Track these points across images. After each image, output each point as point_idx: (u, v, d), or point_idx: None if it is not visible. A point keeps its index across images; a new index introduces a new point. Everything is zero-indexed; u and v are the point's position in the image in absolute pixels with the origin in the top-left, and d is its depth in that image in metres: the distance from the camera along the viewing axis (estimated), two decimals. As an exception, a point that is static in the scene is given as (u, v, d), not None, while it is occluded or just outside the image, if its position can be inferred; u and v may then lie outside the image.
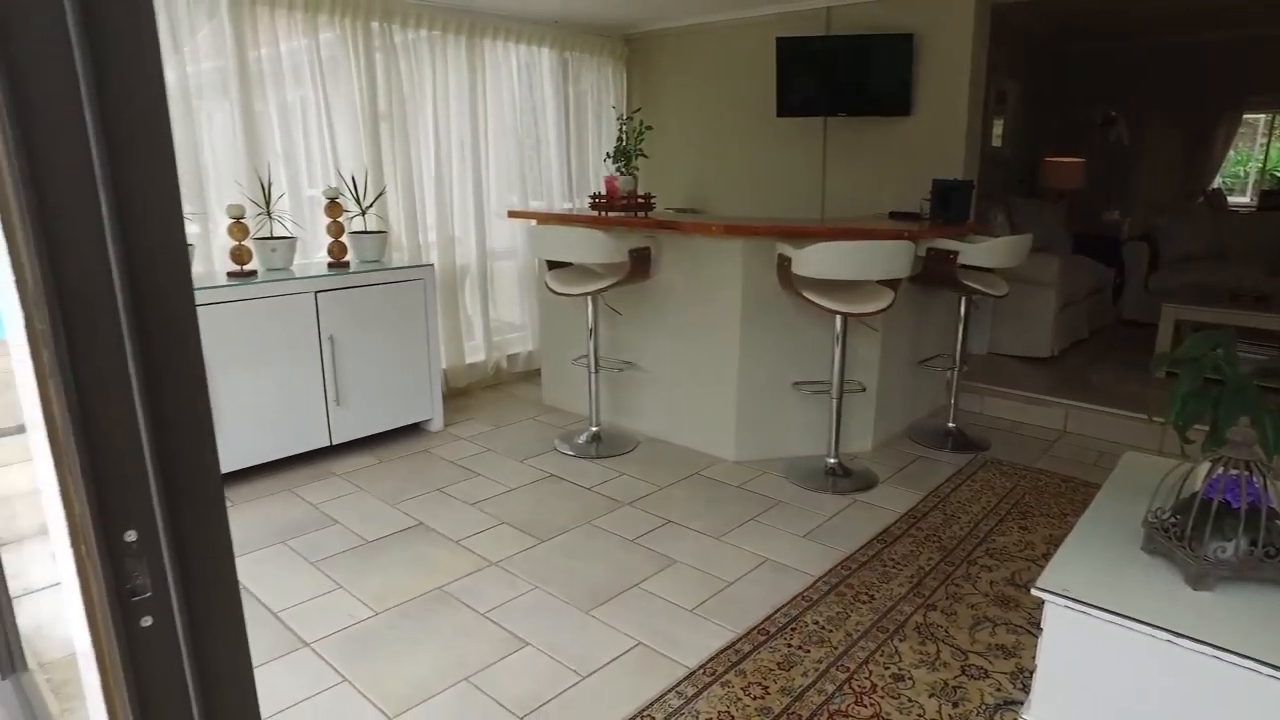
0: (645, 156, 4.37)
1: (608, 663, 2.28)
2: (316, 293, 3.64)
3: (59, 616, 1.87)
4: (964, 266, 3.70)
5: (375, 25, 4.32)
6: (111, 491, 0.72)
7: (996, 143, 6.08)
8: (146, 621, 0.76)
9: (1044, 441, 4.11)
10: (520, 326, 5.44)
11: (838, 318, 3.44)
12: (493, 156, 5.06)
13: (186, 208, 3.39)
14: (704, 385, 3.89)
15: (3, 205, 0.63)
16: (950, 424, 4.11)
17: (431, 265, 4.14)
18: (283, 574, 2.78)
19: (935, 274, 3.78)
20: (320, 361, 3.69)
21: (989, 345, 5.32)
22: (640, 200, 4.15)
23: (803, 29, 4.89)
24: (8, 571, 1.91)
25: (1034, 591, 1.53)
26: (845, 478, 3.57)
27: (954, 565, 2.82)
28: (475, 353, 5.09)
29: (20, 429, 2.11)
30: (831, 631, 2.42)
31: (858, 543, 3.00)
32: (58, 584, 1.85)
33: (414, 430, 4.23)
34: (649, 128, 4.33)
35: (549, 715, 2.06)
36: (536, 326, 5.24)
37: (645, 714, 2.06)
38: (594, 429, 4.09)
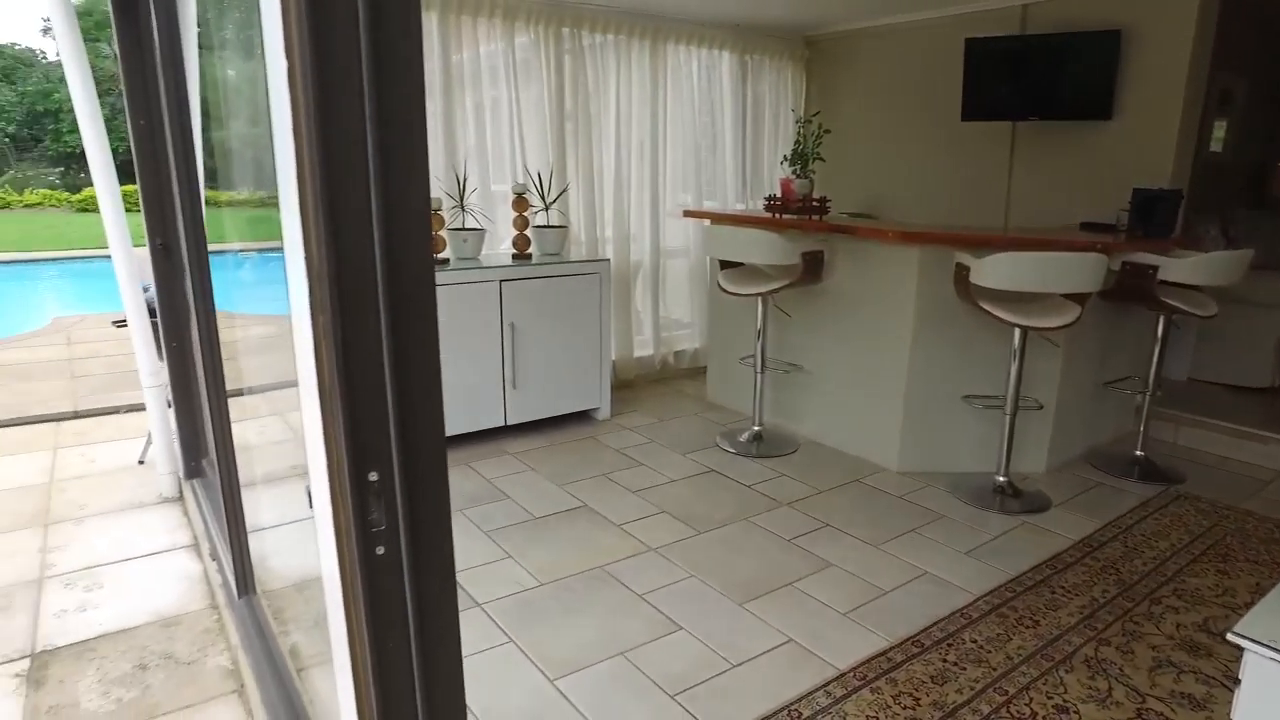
0: (822, 160, 4.34)
1: (758, 655, 2.32)
2: (501, 282, 3.90)
3: (277, 551, 2.15)
4: (1165, 283, 3.42)
5: (566, 30, 4.55)
6: (361, 436, 0.85)
7: (1216, 147, 5.52)
8: (380, 550, 0.89)
9: (1256, 481, 3.72)
10: (688, 324, 5.55)
11: (1016, 331, 3.29)
12: (670, 156, 5.20)
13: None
14: (870, 392, 3.83)
15: (300, 191, 0.77)
16: (1138, 451, 3.80)
17: (607, 260, 4.32)
18: (458, 539, 3.01)
19: (1129, 289, 3.52)
20: (501, 346, 3.95)
21: (1189, 370, 4.87)
22: (815, 203, 4.13)
23: (995, 28, 4.67)
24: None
25: (1231, 637, 1.41)
26: (1014, 498, 3.40)
27: (1134, 601, 2.63)
28: (644, 347, 5.26)
29: (245, 390, 2.43)
30: (990, 652, 2.34)
31: (1024, 566, 2.86)
32: (279, 525, 2.12)
33: (582, 417, 4.44)
34: (827, 131, 4.29)
35: (698, 697, 2.13)
36: (704, 324, 5.33)
37: (793, 709, 2.08)
38: (756, 428, 4.12)
